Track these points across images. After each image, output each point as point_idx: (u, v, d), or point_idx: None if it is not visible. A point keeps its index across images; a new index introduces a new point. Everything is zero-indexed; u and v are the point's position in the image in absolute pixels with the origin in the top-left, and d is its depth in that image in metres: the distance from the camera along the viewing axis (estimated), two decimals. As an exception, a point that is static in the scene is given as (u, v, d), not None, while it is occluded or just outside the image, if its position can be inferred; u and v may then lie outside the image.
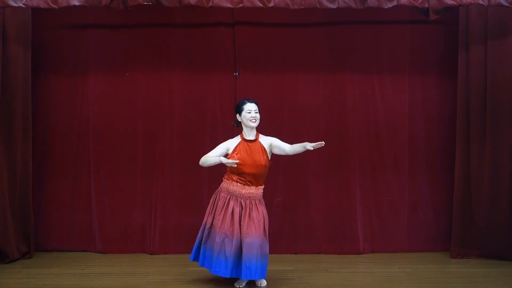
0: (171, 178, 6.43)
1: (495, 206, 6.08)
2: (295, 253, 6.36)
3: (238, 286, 5.36)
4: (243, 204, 5.22)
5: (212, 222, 5.25)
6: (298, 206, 6.41)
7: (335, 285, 5.47)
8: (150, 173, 6.43)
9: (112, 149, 6.43)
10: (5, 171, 5.97)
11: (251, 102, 5.33)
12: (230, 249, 5.13)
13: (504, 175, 6.03)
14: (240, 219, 5.18)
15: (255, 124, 5.29)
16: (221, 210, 5.22)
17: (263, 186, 5.36)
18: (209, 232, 5.26)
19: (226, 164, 5.15)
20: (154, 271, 5.84)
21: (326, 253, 6.39)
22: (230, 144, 5.31)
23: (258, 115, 5.28)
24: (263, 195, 5.39)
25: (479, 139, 6.08)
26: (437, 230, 6.46)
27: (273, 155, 5.39)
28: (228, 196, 5.25)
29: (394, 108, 6.43)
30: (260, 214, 5.22)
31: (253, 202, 5.24)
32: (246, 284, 5.40)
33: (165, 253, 6.39)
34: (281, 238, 6.33)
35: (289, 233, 6.40)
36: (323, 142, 5.02)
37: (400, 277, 5.67)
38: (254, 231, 5.15)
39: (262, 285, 5.39)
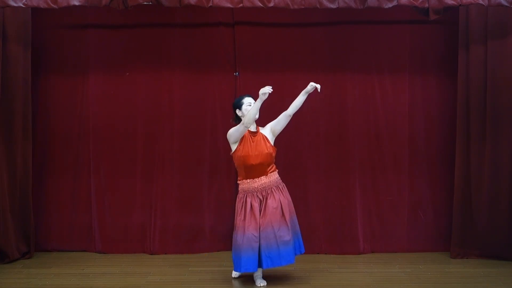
0: (171, 178, 6.43)
1: (495, 206, 6.07)
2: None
3: (233, 276, 5.54)
4: (261, 197, 5.28)
5: (236, 224, 5.31)
6: (298, 206, 6.36)
7: (335, 285, 5.47)
8: (150, 173, 6.43)
9: (112, 149, 6.43)
10: (5, 171, 5.97)
11: (248, 96, 5.41)
12: (255, 244, 5.18)
13: (504, 175, 6.03)
14: (260, 213, 5.25)
15: (257, 115, 5.32)
16: (241, 211, 5.29)
17: (275, 172, 5.40)
18: (236, 236, 5.28)
19: (264, 92, 5.08)
20: (154, 271, 5.84)
21: (326, 253, 6.39)
22: None
23: None
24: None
25: (479, 139, 6.08)
26: (437, 230, 6.46)
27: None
28: (245, 195, 5.30)
29: (394, 108, 6.43)
30: (276, 201, 5.28)
31: (268, 192, 5.29)
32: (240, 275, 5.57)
33: (165, 253, 6.39)
34: (281, 238, 6.32)
35: (289, 233, 6.40)
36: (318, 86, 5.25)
37: (400, 277, 5.67)
38: (269, 221, 5.21)
39: (262, 285, 5.39)
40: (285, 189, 5.42)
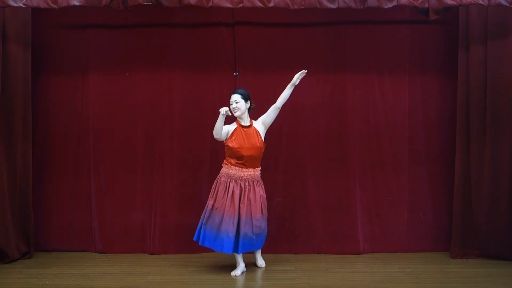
0: (171, 178, 6.43)
1: (495, 206, 6.07)
2: (295, 253, 6.36)
3: (234, 275, 5.61)
4: (242, 186, 5.61)
5: (214, 204, 5.62)
6: (298, 206, 6.41)
7: (335, 285, 5.47)
8: (150, 173, 6.43)
9: (112, 149, 6.43)
10: (5, 171, 5.97)
11: (234, 93, 5.72)
12: (231, 228, 5.52)
13: (504, 175, 6.03)
14: (240, 200, 5.56)
15: (236, 114, 5.65)
16: (224, 194, 5.59)
17: (259, 168, 5.72)
18: (210, 214, 5.63)
19: (223, 111, 5.44)
20: (154, 271, 5.84)
21: (326, 253, 6.39)
22: (229, 128, 5.68)
23: (238, 105, 5.63)
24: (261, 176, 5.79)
25: (479, 139, 6.08)
26: (437, 230, 6.46)
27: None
28: (228, 180, 5.63)
29: (394, 108, 6.44)
30: (257, 195, 5.62)
31: (251, 184, 5.63)
32: (242, 272, 5.66)
33: (165, 253, 6.39)
34: (281, 238, 6.33)
35: (289, 233, 6.40)
36: (305, 70, 5.58)
37: (400, 277, 5.67)
38: (251, 211, 5.57)
39: (262, 266, 5.84)
40: (263, 185, 5.76)
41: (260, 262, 5.93)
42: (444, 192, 6.42)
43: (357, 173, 6.43)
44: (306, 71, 5.59)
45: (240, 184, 5.59)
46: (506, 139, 6.01)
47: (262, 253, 5.99)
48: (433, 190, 6.47)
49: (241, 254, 5.74)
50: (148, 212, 6.45)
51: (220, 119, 5.48)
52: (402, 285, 5.44)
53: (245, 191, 5.58)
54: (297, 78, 5.58)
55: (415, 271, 5.82)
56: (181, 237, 6.42)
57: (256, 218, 5.59)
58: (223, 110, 5.42)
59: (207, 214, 5.64)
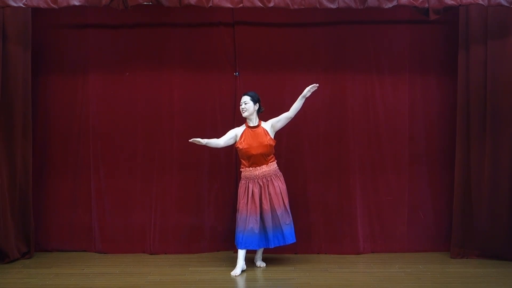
0: (171, 178, 6.43)
1: (495, 206, 6.07)
2: (295, 253, 6.35)
3: (234, 274, 5.64)
4: (261, 183, 5.76)
5: (238, 208, 5.81)
6: (298, 206, 6.40)
7: (335, 285, 5.47)
8: (150, 173, 6.44)
9: (112, 149, 6.43)
10: (5, 171, 5.97)
11: (244, 94, 5.86)
12: (256, 225, 5.69)
13: (504, 175, 6.03)
14: (261, 197, 5.73)
15: (244, 115, 5.78)
16: (244, 195, 5.76)
17: (274, 162, 5.85)
18: (237, 217, 5.81)
19: (197, 142, 5.68)
20: (154, 271, 5.84)
21: (326, 253, 6.39)
22: (237, 131, 5.85)
23: (247, 106, 5.76)
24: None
25: (479, 139, 6.08)
26: (437, 230, 6.46)
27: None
28: (247, 181, 5.78)
29: (394, 108, 6.44)
30: (276, 188, 5.78)
31: (269, 179, 5.78)
32: (242, 272, 5.69)
33: (165, 253, 6.39)
34: (281, 238, 6.33)
35: (289, 233, 6.40)
36: (316, 84, 5.70)
37: (400, 277, 5.66)
38: (273, 206, 5.74)
39: (261, 266, 5.86)
40: (282, 177, 5.88)
41: (260, 262, 5.94)
42: (444, 192, 6.42)
43: (357, 173, 6.42)
44: (318, 85, 5.69)
45: (258, 182, 5.74)
46: (506, 139, 6.01)
47: (262, 253, 5.99)
48: (433, 190, 6.47)
49: (243, 254, 5.72)
50: (148, 212, 6.45)
51: (204, 143, 5.67)
52: (402, 285, 5.43)
53: (264, 188, 5.74)
54: (308, 90, 5.69)
55: (415, 271, 5.82)
56: (181, 237, 6.43)
57: (279, 210, 5.73)
58: (195, 141, 5.64)
59: (237, 219, 5.80)
